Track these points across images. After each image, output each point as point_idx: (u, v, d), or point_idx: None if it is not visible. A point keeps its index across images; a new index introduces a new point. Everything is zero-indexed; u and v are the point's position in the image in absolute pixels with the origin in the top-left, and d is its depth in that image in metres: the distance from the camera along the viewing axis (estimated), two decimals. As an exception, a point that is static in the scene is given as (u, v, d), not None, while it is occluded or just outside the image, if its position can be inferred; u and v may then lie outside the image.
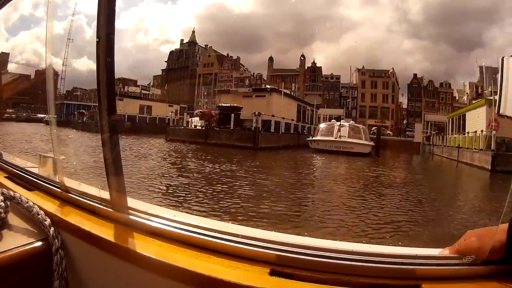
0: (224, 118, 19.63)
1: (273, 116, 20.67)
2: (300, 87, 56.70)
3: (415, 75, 53.09)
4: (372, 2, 76.74)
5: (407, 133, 33.06)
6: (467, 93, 50.12)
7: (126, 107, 29.44)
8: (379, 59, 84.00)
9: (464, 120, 19.85)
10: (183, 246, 0.72)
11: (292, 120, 24.67)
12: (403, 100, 53.53)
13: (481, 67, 48.52)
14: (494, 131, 13.31)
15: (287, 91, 30.33)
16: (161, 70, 62.86)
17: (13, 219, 0.85)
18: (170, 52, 63.58)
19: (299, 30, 77.69)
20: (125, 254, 0.71)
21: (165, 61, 63.09)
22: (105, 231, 0.78)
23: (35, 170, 1.19)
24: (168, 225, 0.76)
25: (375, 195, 6.96)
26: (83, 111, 33.58)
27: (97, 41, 0.76)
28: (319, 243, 0.68)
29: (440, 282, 0.61)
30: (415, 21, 68.52)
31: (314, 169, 12.63)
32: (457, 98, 51.35)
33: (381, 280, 0.61)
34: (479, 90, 47.31)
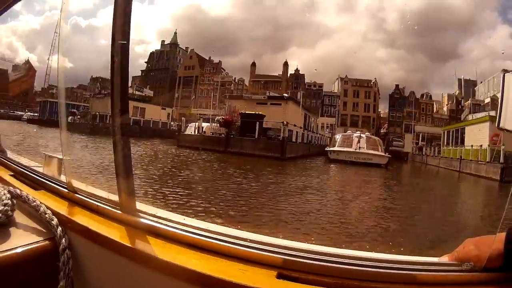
0: (246, 126, 18.80)
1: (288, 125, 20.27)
2: (282, 93, 56.95)
3: (397, 85, 55.24)
4: (349, 10, 78.19)
5: (394, 143, 33.81)
6: (447, 105, 52.06)
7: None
8: (353, 67, 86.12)
9: (462, 133, 21.35)
10: (192, 248, 0.73)
11: (301, 128, 24.61)
12: (382, 110, 55.42)
13: (460, 80, 52.36)
14: (503, 146, 15.01)
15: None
16: (141, 71, 61.87)
17: (19, 217, 0.85)
18: (150, 53, 62.76)
19: (275, 36, 78.59)
20: (133, 255, 0.72)
21: (145, 62, 62.41)
22: (113, 232, 0.78)
23: (40, 169, 1.19)
24: (177, 228, 0.77)
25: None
26: (75, 110, 32.25)
27: (112, 43, 0.77)
28: (325, 249, 0.70)
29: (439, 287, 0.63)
30: (391, 30, 70.93)
31: (369, 183, 11.85)
32: (436, 109, 53.30)
33: (382, 285, 0.63)
34: (462, 102, 50.22)
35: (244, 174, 9.85)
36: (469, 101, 50.05)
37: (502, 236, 0.61)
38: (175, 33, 63.21)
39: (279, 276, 0.65)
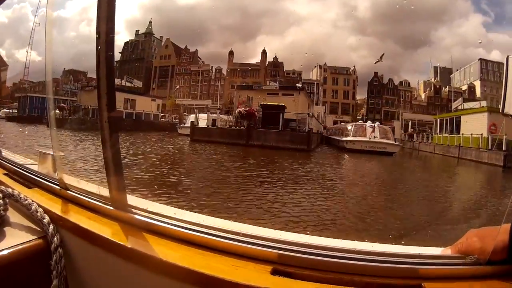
0: (268, 117, 18.18)
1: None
2: (261, 82, 56.05)
3: (375, 73, 55.98)
4: None
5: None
6: (425, 92, 52.78)
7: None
8: (323, 54, 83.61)
9: (458, 122, 22.60)
10: (184, 244, 0.71)
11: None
12: (359, 97, 56.27)
13: (435, 67, 53.51)
14: (505, 135, 16.16)
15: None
16: (115, 61, 59.70)
17: (12, 216, 0.84)
18: (124, 43, 60.06)
19: (244, 23, 77.82)
20: (125, 252, 0.71)
21: (120, 52, 59.41)
22: (105, 229, 0.77)
23: (35, 167, 1.18)
24: (168, 223, 0.76)
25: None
26: (63, 105, 29.14)
27: (96, 37, 0.75)
28: (321, 242, 0.68)
29: (442, 282, 0.61)
30: (362, 18, 70.87)
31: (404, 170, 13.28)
32: (415, 96, 54.11)
33: (383, 280, 0.61)
34: (445, 89, 51.49)
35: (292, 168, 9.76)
36: (447, 88, 51.54)
37: (507, 227, 0.59)
38: (150, 22, 61.54)
39: (274, 272, 0.62)
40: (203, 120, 23.48)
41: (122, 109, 29.10)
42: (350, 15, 70.50)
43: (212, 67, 57.68)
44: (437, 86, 52.65)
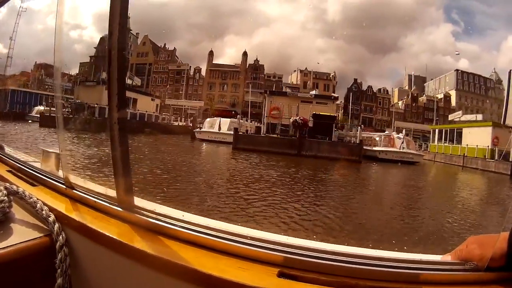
0: (319, 127, 18.36)
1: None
2: (240, 84, 56.64)
3: (355, 79, 57.81)
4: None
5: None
6: (402, 100, 54.79)
7: (105, 98, 26.26)
8: (290, 56, 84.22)
9: (459, 133, 24.64)
10: (191, 246, 0.72)
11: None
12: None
13: (410, 76, 55.90)
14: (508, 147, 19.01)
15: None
16: (89, 57, 54.49)
17: (16, 214, 0.84)
18: (101, 38, 54.76)
19: (212, 23, 76.08)
20: (131, 252, 0.71)
21: (94, 48, 55.22)
22: (111, 229, 0.77)
23: (38, 165, 1.17)
24: (176, 225, 0.76)
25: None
26: (61, 101, 28.43)
27: (108, 36, 0.75)
28: (327, 247, 0.69)
29: (442, 287, 0.63)
30: (331, 21, 71.64)
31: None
32: (393, 103, 55.93)
33: (386, 284, 0.62)
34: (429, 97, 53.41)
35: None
36: (424, 97, 53.44)
37: (505, 235, 0.61)
38: (128, 17, 58.66)
39: (280, 275, 0.63)
40: (224, 125, 23.23)
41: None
42: (319, 18, 71.86)
43: (190, 66, 56.89)
44: (414, 95, 54.46)
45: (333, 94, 32.58)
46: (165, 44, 58.19)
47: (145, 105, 32.52)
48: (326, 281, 0.62)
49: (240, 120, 24.44)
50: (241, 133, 18.41)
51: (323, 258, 0.65)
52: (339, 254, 0.66)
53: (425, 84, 57.98)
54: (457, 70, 53.69)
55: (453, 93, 53.56)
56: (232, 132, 21.54)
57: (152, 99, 36.48)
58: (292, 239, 0.73)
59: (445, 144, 25.79)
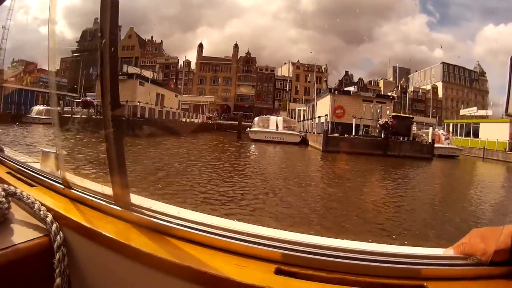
0: (399, 128, 18.63)
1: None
2: (232, 77, 56.25)
3: (346, 72, 58.88)
4: None
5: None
6: (391, 91, 54.12)
7: (141, 96, 21.72)
8: (263, 46, 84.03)
9: (476, 128, 26.84)
10: (187, 243, 0.71)
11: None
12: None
13: (394, 67, 57.32)
14: None
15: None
16: (71, 51, 50.64)
17: (14, 215, 0.84)
18: (83, 31, 52.87)
19: (184, 14, 76.16)
20: (128, 251, 0.71)
21: (76, 42, 52.83)
22: (108, 228, 0.77)
23: (37, 166, 1.17)
24: (172, 222, 0.76)
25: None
26: (89, 99, 21.50)
27: (100, 34, 0.74)
28: (325, 242, 0.68)
29: (445, 282, 0.62)
30: (304, 10, 72.39)
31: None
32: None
33: (387, 280, 0.61)
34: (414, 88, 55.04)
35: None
36: (411, 88, 54.57)
37: (509, 228, 0.60)
38: None
39: (278, 272, 0.63)
40: (273, 123, 22.59)
41: (155, 106, 23.94)
42: (291, 7, 71.51)
43: (178, 59, 55.80)
44: (404, 86, 55.13)
45: (391, 93, 33.35)
46: (152, 37, 57.22)
47: (171, 101, 28.68)
48: (324, 278, 0.61)
49: (291, 118, 24.50)
50: (331, 135, 17.88)
51: (322, 254, 0.64)
52: (338, 249, 0.65)
53: (409, 76, 59.32)
54: (443, 62, 55.79)
55: (439, 85, 55.09)
56: (290, 132, 21.87)
57: (176, 95, 32.12)
58: (290, 234, 0.72)
59: (461, 137, 27.10)
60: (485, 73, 56.78)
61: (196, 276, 0.62)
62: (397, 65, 57.27)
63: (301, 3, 75.92)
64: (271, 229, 0.75)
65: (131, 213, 0.80)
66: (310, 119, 27.98)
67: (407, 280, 0.61)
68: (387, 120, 18.32)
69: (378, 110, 21.17)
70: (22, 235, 0.78)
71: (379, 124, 18.49)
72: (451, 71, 56.21)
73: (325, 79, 55.19)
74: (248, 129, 23.13)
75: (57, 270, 0.75)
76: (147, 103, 22.34)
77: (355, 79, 57.81)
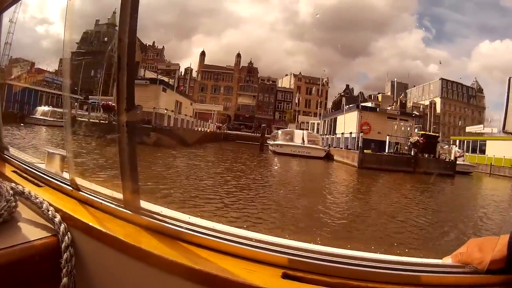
0: (426, 145, 19.27)
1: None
2: (233, 86, 56.31)
3: (347, 85, 59.97)
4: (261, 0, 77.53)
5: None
6: (391, 106, 55.08)
7: (163, 103, 20.46)
8: (258, 57, 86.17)
9: (482, 145, 28.20)
10: (198, 248, 0.73)
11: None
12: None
13: (392, 82, 57.14)
14: None
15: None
16: (71, 52, 51.74)
17: (22, 214, 0.85)
18: (84, 32, 51.81)
19: (182, 21, 76.14)
20: (137, 252, 0.72)
21: (77, 43, 51.82)
22: (117, 230, 0.78)
23: (43, 166, 1.18)
24: (182, 227, 0.77)
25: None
26: (111, 103, 18.96)
27: (118, 41, 0.77)
28: (329, 250, 0.71)
29: None
30: (301, 23, 73.20)
31: None
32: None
33: (388, 286, 0.64)
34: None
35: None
36: (411, 103, 55.52)
37: (505, 238, 0.62)
38: (114, 12, 51.67)
39: (284, 276, 0.65)
40: (298, 137, 22.42)
41: (174, 114, 22.06)
42: (289, 19, 72.84)
43: (180, 66, 55.27)
44: (403, 102, 55.80)
45: (415, 112, 34.71)
46: (154, 43, 56.87)
47: (187, 110, 27.37)
48: (329, 283, 0.63)
49: (315, 133, 24.62)
50: (366, 152, 17.95)
51: (326, 260, 0.67)
52: (342, 256, 0.68)
53: (407, 91, 60.35)
54: (441, 78, 57.42)
55: (438, 101, 56.51)
56: (315, 146, 21.84)
57: (191, 103, 30.81)
58: (296, 242, 0.74)
59: (469, 154, 28.34)
60: (483, 89, 58.48)
61: (206, 279, 0.64)
62: (395, 80, 58.25)
63: (298, 15, 78.30)
64: (278, 237, 0.77)
65: (140, 217, 0.81)
66: (329, 133, 28.03)
67: (406, 286, 0.64)
68: (418, 138, 19.12)
69: (408, 128, 22.02)
70: (29, 234, 0.78)
71: (410, 142, 19.15)
72: (449, 87, 57.45)
73: (327, 89, 55.98)
74: (270, 142, 23.19)
75: (64, 270, 0.76)
76: (172, 111, 21.59)
77: (355, 93, 58.64)
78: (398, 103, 52.94)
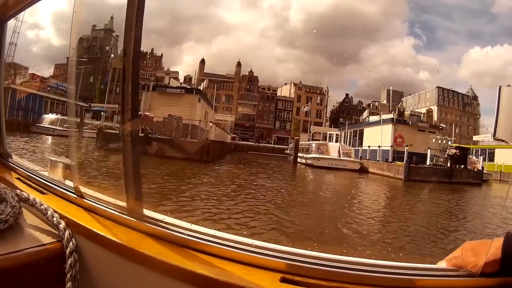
0: (459, 157, 20.46)
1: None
2: (234, 95, 56.48)
3: (346, 94, 61.25)
4: (252, 6, 78.55)
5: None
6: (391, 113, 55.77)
7: (198, 113, 19.96)
8: (248, 64, 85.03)
9: (491, 153, 30.12)
10: (199, 253, 0.75)
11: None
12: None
13: (388, 90, 59.35)
14: None
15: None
16: (67, 58, 49.14)
17: (27, 220, 0.87)
18: (80, 38, 48.53)
19: (172, 28, 76.16)
20: (142, 259, 0.74)
21: (72, 48, 51.69)
22: (121, 236, 0.80)
23: (46, 174, 1.19)
24: (184, 234, 0.79)
25: None
26: (148, 114, 18.18)
27: (123, 51, 0.79)
28: (326, 255, 0.73)
29: None
30: (293, 30, 74.22)
31: None
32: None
33: None
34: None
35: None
36: (409, 111, 54.22)
37: (499, 241, 0.63)
38: (112, 17, 54.02)
39: (283, 280, 0.67)
40: (334, 150, 22.92)
41: (205, 126, 20.74)
42: (280, 26, 73.11)
43: (179, 73, 54.46)
44: (401, 110, 55.74)
45: (441, 125, 34.90)
46: (152, 49, 56.55)
47: (202, 116, 24.31)
48: (326, 286, 0.65)
49: (346, 145, 25.02)
50: (413, 165, 18.84)
51: (323, 265, 0.69)
52: (338, 261, 0.70)
53: (402, 99, 61.40)
54: (438, 87, 58.56)
55: (434, 109, 56.90)
56: (351, 159, 22.60)
57: (214, 114, 29.82)
58: (293, 248, 0.76)
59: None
60: (477, 97, 59.38)
61: (208, 283, 0.66)
62: (391, 88, 59.33)
63: (289, 23, 78.82)
64: (276, 244, 0.78)
65: (144, 224, 0.83)
66: (351, 144, 28.69)
67: None
68: (455, 151, 20.33)
69: (444, 141, 22.85)
70: (34, 239, 0.80)
71: (448, 154, 20.40)
72: (445, 95, 58.31)
73: (328, 96, 56.44)
74: (305, 155, 23.62)
75: (68, 275, 0.77)
76: (205, 121, 20.95)
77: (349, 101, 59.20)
78: (396, 111, 53.65)
